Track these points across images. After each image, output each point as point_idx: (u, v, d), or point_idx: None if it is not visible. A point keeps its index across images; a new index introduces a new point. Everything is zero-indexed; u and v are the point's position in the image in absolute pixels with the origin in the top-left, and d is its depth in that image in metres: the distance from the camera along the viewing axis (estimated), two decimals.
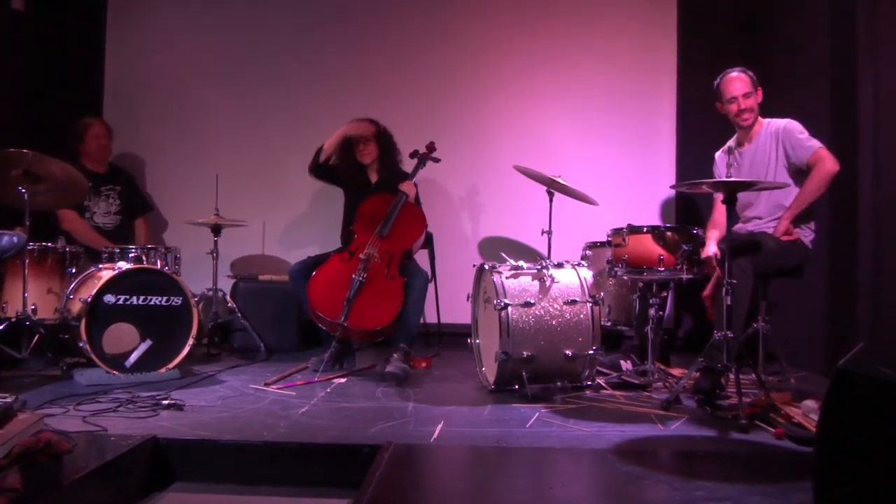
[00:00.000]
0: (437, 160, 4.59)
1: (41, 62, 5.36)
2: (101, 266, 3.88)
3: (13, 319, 3.75)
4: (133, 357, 3.62)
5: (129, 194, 5.08)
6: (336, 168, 4.56)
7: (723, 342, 3.04)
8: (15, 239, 3.10)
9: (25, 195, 3.67)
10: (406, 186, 4.33)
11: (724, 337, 3.03)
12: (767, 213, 3.77)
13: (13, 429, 1.90)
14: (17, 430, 1.90)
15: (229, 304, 4.78)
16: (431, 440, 2.62)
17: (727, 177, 3.12)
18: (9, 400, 2.00)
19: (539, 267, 3.51)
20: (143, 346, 3.65)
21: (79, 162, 4.73)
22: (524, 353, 3.32)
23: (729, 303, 3.07)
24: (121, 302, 3.63)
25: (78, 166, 4.33)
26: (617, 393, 3.46)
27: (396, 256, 4.08)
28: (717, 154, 4.04)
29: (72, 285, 3.79)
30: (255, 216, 5.30)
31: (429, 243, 4.86)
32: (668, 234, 3.48)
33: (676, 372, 3.85)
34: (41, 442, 1.94)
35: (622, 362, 3.88)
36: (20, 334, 3.80)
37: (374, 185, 4.54)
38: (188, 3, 5.72)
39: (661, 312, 3.72)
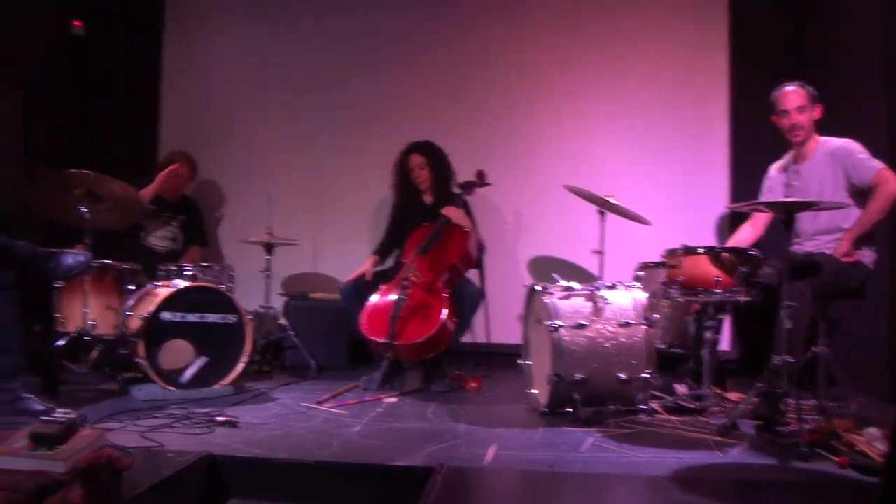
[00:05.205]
0: (486, 184, 4.64)
1: (100, 85, 5.53)
2: (157, 283, 3.96)
3: (73, 334, 3.85)
4: (188, 373, 3.68)
5: (191, 227, 5.19)
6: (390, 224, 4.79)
7: (782, 367, 2.96)
8: (82, 258, 3.18)
9: (87, 214, 3.78)
10: (448, 210, 4.39)
11: (783, 361, 2.96)
12: (826, 234, 3.67)
13: (76, 444, 1.93)
14: (80, 446, 1.93)
15: (281, 322, 4.83)
16: (484, 463, 2.59)
17: (785, 196, 3.06)
18: (72, 415, 2.04)
19: (592, 288, 3.47)
20: (199, 363, 3.71)
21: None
22: (577, 375, 3.27)
23: (788, 326, 2.99)
24: (177, 319, 3.70)
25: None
26: (672, 417, 3.40)
27: (440, 272, 4.13)
28: (771, 170, 3.95)
29: (130, 302, 3.88)
30: (307, 235, 5.35)
31: (479, 263, 4.85)
32: (725, 255, 3.41)
33: (732, 396, 3.76)
34: (103, 458, 1.97)
35: (676, 386, 3.82)
36: (79, 349, 3.89)
37: (429, 206, 4.65)
38: (243, 28, 5.86)
39: (717, 335, 3.64)
